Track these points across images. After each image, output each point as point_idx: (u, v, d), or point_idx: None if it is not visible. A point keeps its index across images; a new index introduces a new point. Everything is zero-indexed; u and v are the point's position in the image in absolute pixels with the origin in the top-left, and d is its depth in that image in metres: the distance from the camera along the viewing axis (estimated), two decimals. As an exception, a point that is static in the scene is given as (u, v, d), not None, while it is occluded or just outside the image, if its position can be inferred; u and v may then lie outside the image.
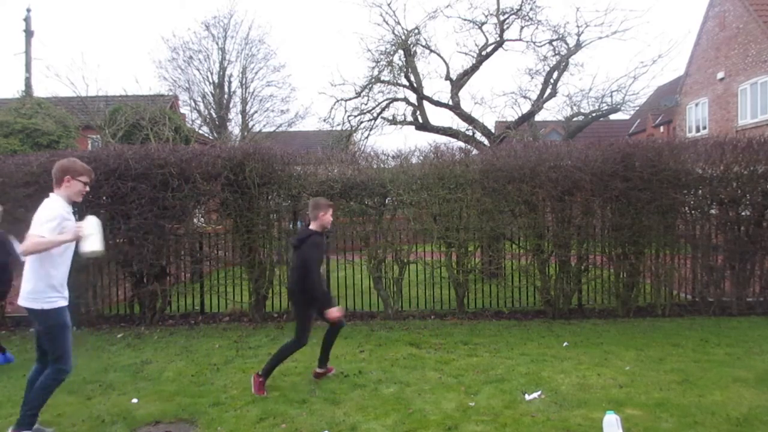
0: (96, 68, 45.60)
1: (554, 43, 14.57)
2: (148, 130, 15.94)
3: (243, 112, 29.61)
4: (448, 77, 14.83)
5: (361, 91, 15.03)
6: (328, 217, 5.23)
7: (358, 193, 8.32)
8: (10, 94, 22.59)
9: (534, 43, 14.69)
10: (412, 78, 14.57)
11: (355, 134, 15.92)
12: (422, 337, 6.95)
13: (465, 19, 14.62)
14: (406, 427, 4.23)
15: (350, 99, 15.24)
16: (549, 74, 14.60)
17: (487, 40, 14.58)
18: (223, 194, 8.02)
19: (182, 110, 26.81)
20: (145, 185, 7.74)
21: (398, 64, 14.57)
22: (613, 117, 19.05)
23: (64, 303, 4.05)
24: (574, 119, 15.17)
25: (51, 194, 4.02)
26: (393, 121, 15.32)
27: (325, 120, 16.04)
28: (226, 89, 28.67)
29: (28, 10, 20.06)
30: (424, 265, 8.39)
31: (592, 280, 8.30)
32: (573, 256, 8.09)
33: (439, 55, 14.91)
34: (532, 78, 15.15)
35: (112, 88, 33.09)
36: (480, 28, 14.54)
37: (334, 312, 5.12)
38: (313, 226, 5.19)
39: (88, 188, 4.11)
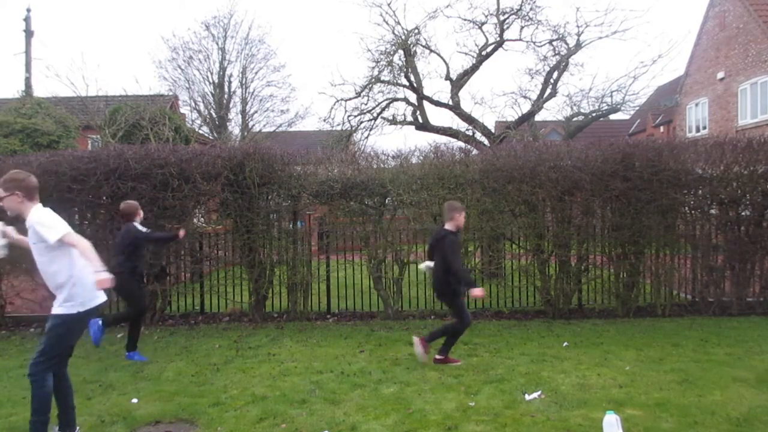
0: (96, 68, 45.72)
1: (554, 43, 14.58)
2: (148, 130, 15.92)
3: (243, 112, 29.65)
4: (448, 77, 14.83)
5: (361, 91, 15.04)
6: (461, 218, 5.81)
7: (358, 193, 8.32)
8: (10, 94, 22.61)
9: (534, 43, 14.70)
10: (412, 78, 14.57)
11: (355, 134, 15.93)
12: (422, 337, 6.95)
13: (465, 19, 14.64)
14: (406, 427, 4.23)
15: (350, 99, 15.25)
16: (549, 74, 14.60)
17: (487, 40, 14.59)
18: (223, 194, 8.02)
19: (182, 110, 26.81)
20: (145, 185, 7.73)
21: (398, 64, 14.58)
22: (613, 117, 19.05)
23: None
24: (574, 119, 15.17)
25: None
26: (393, 121, 15.33)
27: (325, 120, 16.07)
28: (226, 89, 28.70)
29: (28, 10, 20.08)
30: (424, 265, 8.39)
31: (592, 280, 8.30)
32: (573, 256, 8.10)
33: (439, 55, 14.92)
34: (532, 78, 15.16)
35: (112, 88, 33.07)
36: (480, 28, 14.55)
37: (477, 291, 5.51)
38: (448, 226, 5.79)
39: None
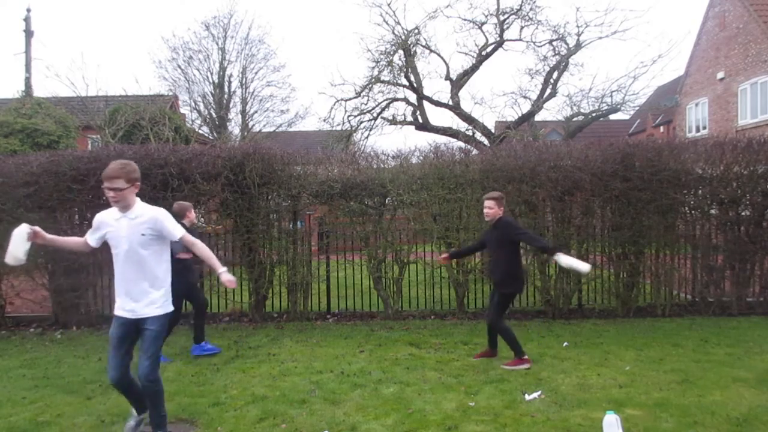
0: (96, 68, 45.73)
1: (554, 43, 14.64)
2: (148, 130, 15.93)
3: (243, 112, 29.63)
4: (448, 77, 14.87)
5: (361, 91, 15.08)
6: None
7: (358, 193, 8.32)
8: (10, 94, 22.61)
9: (534, 43, 14.76)
10: (412, 78, 14.61)
11: (355, 134, 15.97)
12: (422, 337, 6.95)
13: (465, 19, 14.70)
14: (406, 427, 4.23)
15: (350, 99, 15.30)
16: (549, 74, 14.65)
17: (487, 40, 14.64)
18: (223, 194, 8.02)
19: (182, 110, 26.80)
20: (145, 185, 7.66)
21: (398, 64, 14.62)
22: (613, 117, 19.10)
23: (116, 312, 3.91)
24: (574, 119, 15.21)
25: None
26: (393, 121, 15.37)
27: (325, 120, 16.13)
28: (226, 89, 28.68)
29: (28, 10, 20.10)
30: (424, 265, 8.39)
31: (592, 280, 8.29)
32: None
33: (439, 55, 14.96)
34: (532, 78, 15.24)
35: (112, 88, 33.11)
36: (480, 28, 14.61)
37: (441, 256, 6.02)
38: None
39: (110, 192, 3.80)
